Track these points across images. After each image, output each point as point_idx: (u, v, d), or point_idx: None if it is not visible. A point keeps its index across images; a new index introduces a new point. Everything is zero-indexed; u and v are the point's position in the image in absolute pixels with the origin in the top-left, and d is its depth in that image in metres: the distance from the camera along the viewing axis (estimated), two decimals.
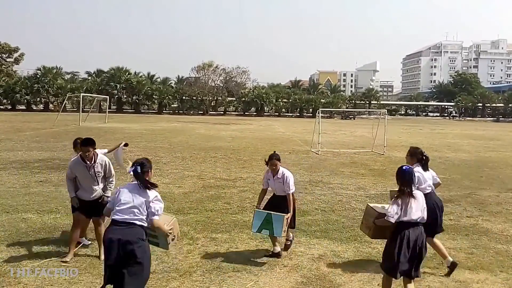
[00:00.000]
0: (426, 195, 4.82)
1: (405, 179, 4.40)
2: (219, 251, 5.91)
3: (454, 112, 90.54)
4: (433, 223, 5.20)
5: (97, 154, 5.61)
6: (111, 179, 5.71)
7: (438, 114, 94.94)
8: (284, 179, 5.74)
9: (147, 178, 4.10)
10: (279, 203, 5.77)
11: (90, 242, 6.04)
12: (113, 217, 3.98)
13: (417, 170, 5.23)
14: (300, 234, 6.73)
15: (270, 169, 5.83)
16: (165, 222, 4.32)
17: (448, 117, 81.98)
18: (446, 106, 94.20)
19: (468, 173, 13.42)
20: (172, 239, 4.44)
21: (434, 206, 5.32)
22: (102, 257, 5.48)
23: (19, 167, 12.29)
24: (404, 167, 4.55)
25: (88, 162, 5.49)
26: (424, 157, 5.49)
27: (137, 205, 3.97)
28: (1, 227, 6.70)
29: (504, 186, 11.40)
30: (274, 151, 6.02)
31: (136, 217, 3.94)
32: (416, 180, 4.76)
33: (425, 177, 5.38)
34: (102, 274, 4.99)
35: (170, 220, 4.49)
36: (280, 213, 5.52)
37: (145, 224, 4.00)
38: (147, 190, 4.05)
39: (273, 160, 5.78)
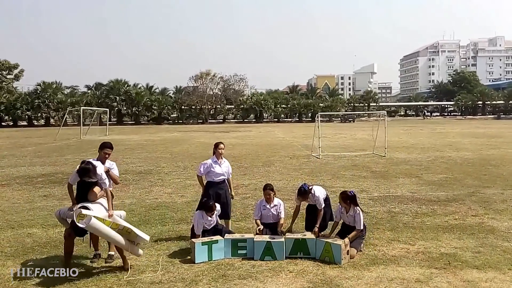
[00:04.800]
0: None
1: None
2: (224, 259, 5.89)
3: (425, 112, 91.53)
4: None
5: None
6: None
7: (438, 114, 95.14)
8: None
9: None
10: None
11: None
12: None
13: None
14: None
15: (265, 198, 6.53)
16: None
17: (422, 117, 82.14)
18: (420, 106, 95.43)
19: (471, 172, 13.38)
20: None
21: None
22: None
23: (23, 183, 12.31)
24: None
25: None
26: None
27: None
28: (7, 242, 6.71)
29: (508, 183, 11.35)
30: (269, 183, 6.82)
31: None
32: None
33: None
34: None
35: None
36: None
37: None
38: None
39: (267, 190, 6.50)
